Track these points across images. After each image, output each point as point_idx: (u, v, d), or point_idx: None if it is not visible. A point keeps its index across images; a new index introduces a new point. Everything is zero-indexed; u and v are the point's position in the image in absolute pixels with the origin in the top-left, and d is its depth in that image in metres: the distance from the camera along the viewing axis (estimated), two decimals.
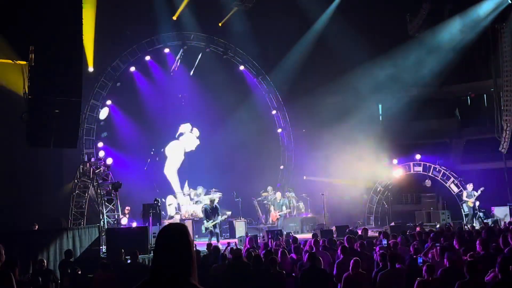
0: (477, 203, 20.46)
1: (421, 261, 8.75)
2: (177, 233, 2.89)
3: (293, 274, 8.93)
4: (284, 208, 20.61)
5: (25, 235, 12.98)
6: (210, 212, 17.53)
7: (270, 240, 13.96)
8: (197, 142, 23.58)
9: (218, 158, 23.33)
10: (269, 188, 22.50)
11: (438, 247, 9.07)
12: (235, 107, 23.54)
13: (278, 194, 21.07)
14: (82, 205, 17.14)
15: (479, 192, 19.85)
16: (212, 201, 18.20)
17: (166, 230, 2.94)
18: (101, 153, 18.03)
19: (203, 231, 17.43)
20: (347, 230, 15.92)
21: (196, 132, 23.64)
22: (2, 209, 16.05)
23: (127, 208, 17.89)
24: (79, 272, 9.82)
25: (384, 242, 10.54)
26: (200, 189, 21.31)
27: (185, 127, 23.47)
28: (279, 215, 20.38)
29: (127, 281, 8.37)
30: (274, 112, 26.01)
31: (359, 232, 14.06)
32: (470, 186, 20.32)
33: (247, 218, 20.77)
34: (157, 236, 2.93)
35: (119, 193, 16.67)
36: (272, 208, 20.86)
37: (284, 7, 22.56)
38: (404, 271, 7.93)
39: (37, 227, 15.89)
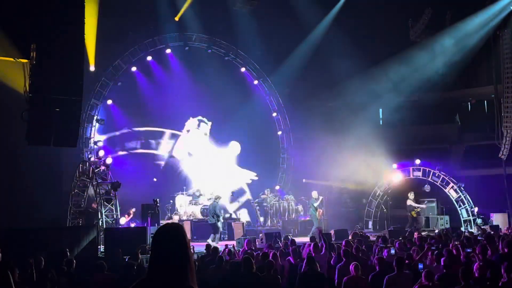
0: (476, 209, 20.49)
1: (422, 267, 8.74)
2: (173, 233, 2.89)
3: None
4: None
5: (22, 234, 12.95)
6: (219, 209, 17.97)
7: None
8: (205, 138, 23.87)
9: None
10: (266, 190, 22.48)
11: (435, 252, 9.06)
12: (235, 109, 23.58)
13: (315, 193, 20.57)
14: (81, 204, 17.14)
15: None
16: (218, 198, 18.25)
17: (162, 230, 2.95)
18: (101, 153, 18.01)
19: (221, 229, 17.79)
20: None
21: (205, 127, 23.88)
22: (0, 207, 16.04)
23: (132, 210, 17.89)
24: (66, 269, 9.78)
25: (392, 250, 10.45)
26: (198, 190, 21.25)
27: (191, 123, 23.68)
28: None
29: (126, 281, 8.37)
30: (274, 114, 26.02)
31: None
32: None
33: (246, 220, 20.77)
34: (154, 236, 2.93)
35: (119, 193, 16.66)
36: (315, 204, 20.41)
37: (286, 10, 22.55)
38: (411, 276, 7.87)
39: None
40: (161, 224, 3.60)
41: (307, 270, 8.07)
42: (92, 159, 17.77)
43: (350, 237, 14.47)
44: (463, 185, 21.05)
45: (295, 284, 8.17)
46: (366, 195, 23.46)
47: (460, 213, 20.81)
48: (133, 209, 17.91)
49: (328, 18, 23.99)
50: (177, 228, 2.95)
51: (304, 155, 24.44)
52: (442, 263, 7.93)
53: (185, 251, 2.86)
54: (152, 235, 11.68)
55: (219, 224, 17.59)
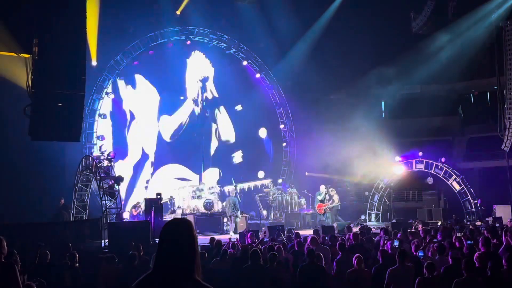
0: (479, 201, 20.43)
1: (422, 255, 8.74)
2: (182, 228, 2.90)
3: None
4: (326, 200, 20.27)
5: (26, 228, 13.01)
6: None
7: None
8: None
9: (219, 153, 23.41)
10: (270, 184, 22.49)
11: (436, 244, 9.07)
12: (237, 102, 23.59)
13: (322, 187, 20.55)
14: (84, 198, 17.18)
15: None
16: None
17: (171, 225, 2.96)
18: (104, 147, 18.02)
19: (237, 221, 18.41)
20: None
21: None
22: (3, 202, 16.09)
23: (138, 202, 17.93)
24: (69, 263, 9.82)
25: (396, 243, 10.46)
26: (202, 184, 21.25)
27: None
28: (326, 208, 19.87)
29: (132, 273, 8.41)
30: (277, 107, 26.00)
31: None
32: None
33: (248, 214, 20.80)
34: (162, 231, 2.94)
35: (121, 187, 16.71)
36: (318, 198, 20.22)
37: (288, 3, 22.49)
38: (413, 269, 7.87)
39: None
40: (167, 219, 3.62)
41: (308, 263, 8.10)
42: (95, 153, 17.76)
43: (353, 230, 14.46)
44: (463, 177, 21.05)
45: (297, 276, 8.21)
46: (368, 187, 23.46)
47: (462, 205, 20.81)
48: (139, 202, 17.98)
49: (330, 11, 23.93)
50: (185, 222, 2.97)
51: (306, 148, 24.43)
52: (449, 256, 7.92)
53: (192, 245, 2.87)
54: (155, 228, 11.71)
55: (239, 214, 18.57)
